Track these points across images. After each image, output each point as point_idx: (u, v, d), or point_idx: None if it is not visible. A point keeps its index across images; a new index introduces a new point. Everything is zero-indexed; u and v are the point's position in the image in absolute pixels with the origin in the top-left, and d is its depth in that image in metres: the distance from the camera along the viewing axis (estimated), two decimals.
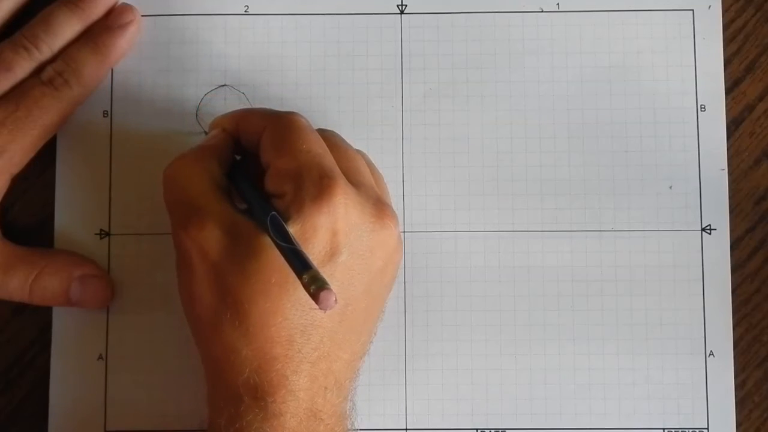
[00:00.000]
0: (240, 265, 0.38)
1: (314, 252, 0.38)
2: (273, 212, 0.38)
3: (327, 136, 0.42)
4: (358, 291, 0.40)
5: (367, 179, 0.42)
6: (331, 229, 0.39)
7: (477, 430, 0.46)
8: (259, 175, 0.41)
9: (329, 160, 0.40)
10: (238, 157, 0.44)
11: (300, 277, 0.36)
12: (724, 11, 0.48)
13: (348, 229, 0.39)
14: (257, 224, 0.39)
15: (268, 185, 0.40)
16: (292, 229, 0.38)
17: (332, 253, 0.39)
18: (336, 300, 0.35)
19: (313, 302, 0.35)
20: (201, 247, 0.39)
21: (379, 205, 0.41)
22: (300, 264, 0.36)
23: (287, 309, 0.38)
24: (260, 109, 0.44)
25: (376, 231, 0.40)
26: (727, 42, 0.48)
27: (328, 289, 0.35)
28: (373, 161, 0.45)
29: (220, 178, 0.42)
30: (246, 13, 0.48)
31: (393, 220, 0.41)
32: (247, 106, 0.47)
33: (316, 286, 0.35)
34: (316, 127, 0.42)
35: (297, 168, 0.39)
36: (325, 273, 0.38)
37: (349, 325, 0.40)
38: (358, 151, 0.44)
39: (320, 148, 0.40)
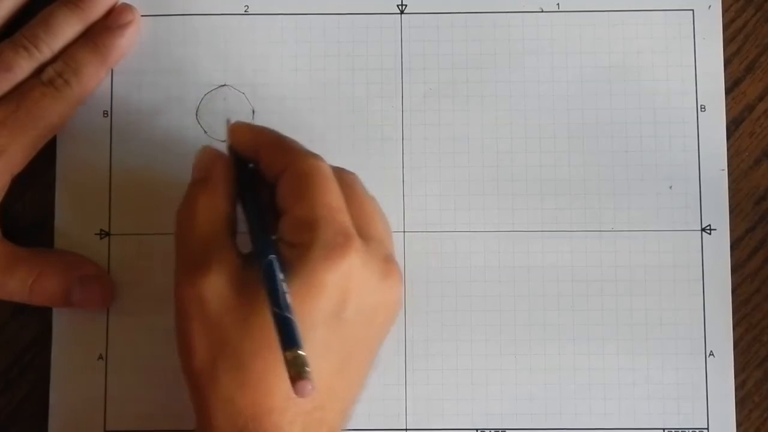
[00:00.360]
0: (242, 319, 0.38)
1: (320, 308, 0.38)
2: (271, 257, 0.38)
3: (346, 181, 0.41)
4: (358, 347, 0.40)
5: (378, 232, 0.41)
6: (340, 287, 0.38)
7: (477, 430, 0.46)
8: (267, 197, 0.41)
9: (346, 215, 0.40)
10: (251, 165, 0.42)
11: (283, 350, 0.36)
12: (724, 11, 0.48)
13: (356, 288, 0.39)
14: (261, 271, 0.38)
15: (282, 232, 0.39)
16: (296, 281, 0.38)
17: (338, 311, 0.39)
18: (312, 388, 0.35)
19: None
20: (202, 295, 0.39)
21: (386, 264, 0.40)
22: (288, 337, 0.36)
23: None
24: (285, 141, 0.42)
25: (381, 290, 0.40)
26: (727, 42, 0.48)
27: (307, 379, 0.35)
28: (381, 208, 0.44)
29: (231, 217, 0.41)
30: (246, 13, 0.48)
31: (398, 279, 0.41)
32: (247, 106, 0.47)
33: (296, 371, 0.35)
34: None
35: (314, 221, 0.38)
36: (329, 329, 0.38)
37: (345, 378, 0.40)
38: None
39: (338, 201, 0.40)
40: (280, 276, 0.37)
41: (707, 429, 0.46)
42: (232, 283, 0.39)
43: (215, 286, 0.39)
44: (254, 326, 0.38)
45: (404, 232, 0.47)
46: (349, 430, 0.43)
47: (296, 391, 0.35)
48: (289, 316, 0.36)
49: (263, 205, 0.41)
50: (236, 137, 0.43)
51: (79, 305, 0.45)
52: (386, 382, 0.46)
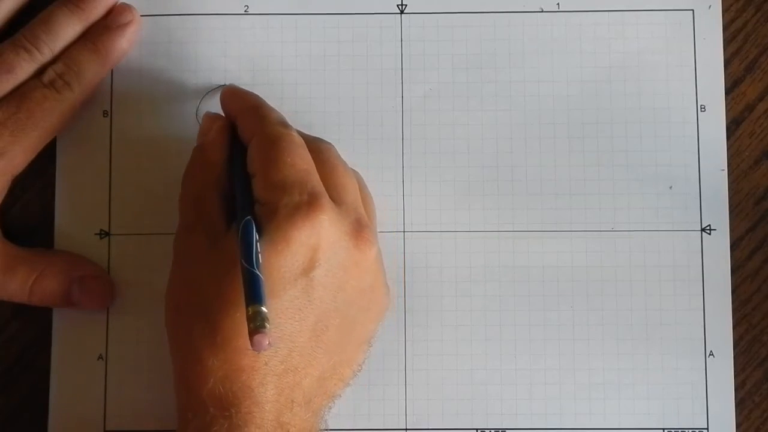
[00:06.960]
0: (217, 277, 0.39)
1: (288, 265, 0.39)
2: (248, 217, 0.39)
3: (321, 148, 0.43)
4: (329, 308, 0.40)
5: (351, 198, 0.42)
6: (308, 244, 0.39)
7: (477, 430, 0.46)
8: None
9: (314, 176, 0.41)
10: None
11: (246, 306, 0.36)
12: (724, 11, 0.48)
13: (326, 246, 0.40)
14: (238, 231, 0.39)
15: (254, 192, 0.41)
16: (265, 239, 0.39)
17: (307, 268, 0.39)
18: (269, 343, 0.35)
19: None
20: (187, 253, 0.41)
21: (357, 225, 0.41)
22: (253, 293, 0.37)
23: None
24: (262, 109, 0.43)
25: (350, 250, 0.41)
26: (727, 42, 0.48)
27: (263, 332, 0.35)
28: (365, 183, 0.45)
29: (222, 180, 0.42)
30: (246, 13, 0.48)
31: (368, 242, 0.41)
32: None
33: (254, 325, 0.36)
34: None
35: (281, 181, 0.40)
36: (298, 289, 0.39)
37: (319, 341, 0.40)
38: (353, 171, 0.44)
39: (306, 163, 0.41)
40: (255, 237, 0.38)
41: (707, 429, 0.46)
42: (212, 241, 0.40)
43: (199, 243, 0.41)
44: (227, 286, 0.39)
45: (404, 232, 0.47)
46: (350, 430, 0.43)
47: (252, 345, 0.35)
48: (256, 272, 0.37)
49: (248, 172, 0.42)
50: (222, 99, 0.45)
51: (79, 305, 0.45)
52: (386, 382, 0.46)
